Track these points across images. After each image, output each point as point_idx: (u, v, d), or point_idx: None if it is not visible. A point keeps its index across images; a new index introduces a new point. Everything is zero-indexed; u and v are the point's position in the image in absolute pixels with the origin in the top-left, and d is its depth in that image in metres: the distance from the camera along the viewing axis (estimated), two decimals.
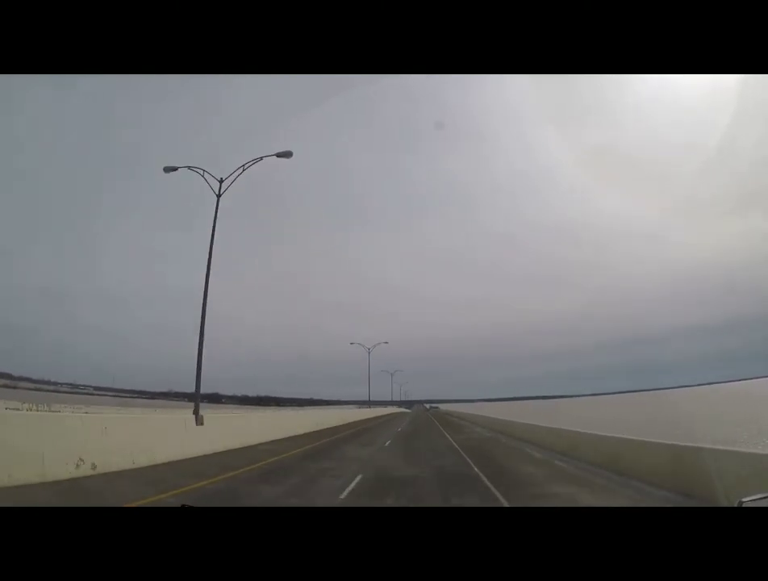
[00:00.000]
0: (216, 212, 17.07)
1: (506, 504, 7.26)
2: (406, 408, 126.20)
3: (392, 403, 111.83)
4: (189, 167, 17.76)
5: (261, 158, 17.65)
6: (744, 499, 2.23)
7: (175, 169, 17.81)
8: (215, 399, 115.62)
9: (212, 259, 16.79)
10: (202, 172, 17.50)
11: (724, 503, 5.77)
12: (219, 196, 17.29)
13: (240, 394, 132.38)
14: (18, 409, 19.62)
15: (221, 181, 17.50)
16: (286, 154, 17.84)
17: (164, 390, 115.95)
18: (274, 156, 17.63)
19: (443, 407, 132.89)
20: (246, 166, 17.49)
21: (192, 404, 17.97)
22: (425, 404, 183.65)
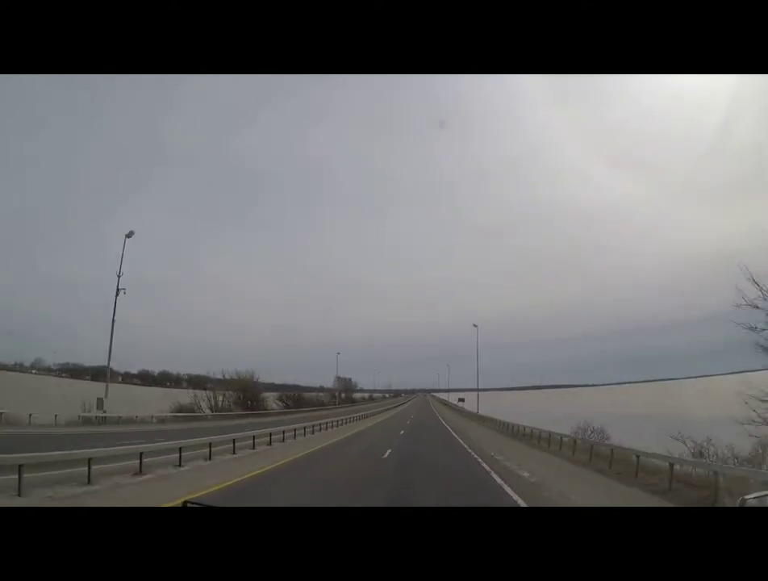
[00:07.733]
0: None
1: None
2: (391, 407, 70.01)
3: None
4: None
5: None
6: (746, 498, 2.23)
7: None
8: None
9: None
10: None
11: (727, 502, 5.74)
12: None
13: (136, 371, 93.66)
14: None
15: None
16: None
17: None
18: None
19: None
20: None
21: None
22: (433, 394, 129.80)
